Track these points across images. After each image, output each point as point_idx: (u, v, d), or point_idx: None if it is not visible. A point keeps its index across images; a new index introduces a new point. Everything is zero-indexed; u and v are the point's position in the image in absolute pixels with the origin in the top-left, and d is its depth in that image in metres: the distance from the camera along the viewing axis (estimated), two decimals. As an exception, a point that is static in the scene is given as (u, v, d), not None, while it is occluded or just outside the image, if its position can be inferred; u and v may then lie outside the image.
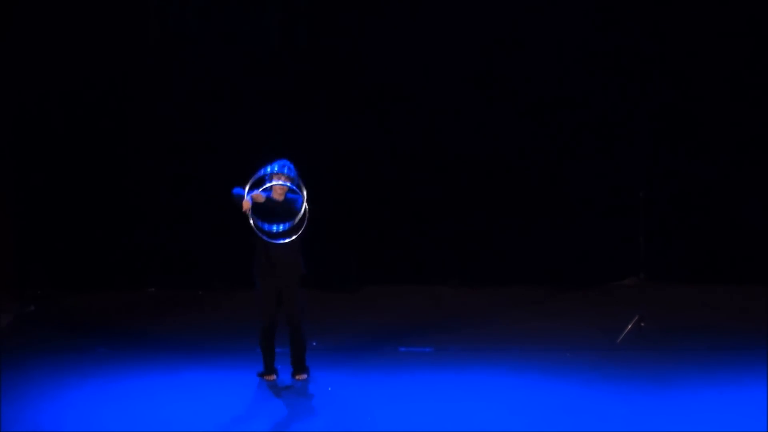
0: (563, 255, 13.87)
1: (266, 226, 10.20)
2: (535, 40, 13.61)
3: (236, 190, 10.22)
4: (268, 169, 10.26)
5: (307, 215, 10.22)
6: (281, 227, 10.21)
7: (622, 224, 13.40)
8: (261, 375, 10.63)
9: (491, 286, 13.87)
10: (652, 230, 12.67)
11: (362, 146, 13.84)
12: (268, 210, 10.25)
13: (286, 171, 10.26)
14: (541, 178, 13.84)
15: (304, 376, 10.59)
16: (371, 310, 13.28)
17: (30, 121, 13.79)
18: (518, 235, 13.92)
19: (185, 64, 13.82)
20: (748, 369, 10.70)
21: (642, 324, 11.84)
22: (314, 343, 10.68)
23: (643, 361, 11.09)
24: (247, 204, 10.07)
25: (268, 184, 10.23)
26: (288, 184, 10.26)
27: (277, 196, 10.28)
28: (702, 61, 13.54)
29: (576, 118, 13.71)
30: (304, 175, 10.47)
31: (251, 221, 10.19)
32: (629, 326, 11.82)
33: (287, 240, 10.19)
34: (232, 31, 13.74)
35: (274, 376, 10.60)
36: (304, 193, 10.23)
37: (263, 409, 9.99)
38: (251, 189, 10.18)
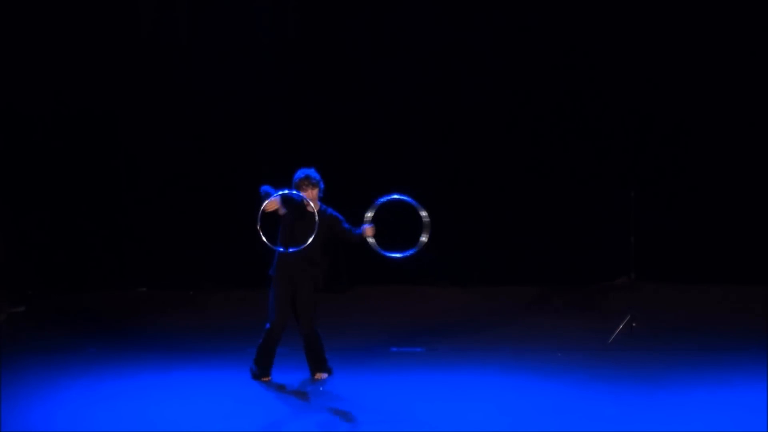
0: (554, 255, 13.88)
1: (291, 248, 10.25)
2: (525, 43, 13.63)
3: (265, 188, 10.23)
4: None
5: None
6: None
7: (613, 224, 13.43)
8: (257, 376, 10.61)
9: (481, 286, 13.89)
10: (642, 230, 12.69)
11: (352, 145, 13.85)
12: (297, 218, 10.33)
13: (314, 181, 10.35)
14: (532, 178, 13.86)
15: (324, 375, 10.61)
16: (362, 311, 13.29)
17: (21, 123, 13.78)
18: (508, 236, 13.94)
19: (177, 64, 13.82)
20: (738, 369, 10.73)
21: (633, 324, 11.86)
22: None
23: (634, 361, 11.11)
24: (274, 204, 10.12)
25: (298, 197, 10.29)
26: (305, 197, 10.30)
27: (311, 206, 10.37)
28: (694, 60, 13.58)
29: (566, 119, 13.73)
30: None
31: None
32: (620, 326, 11.84)
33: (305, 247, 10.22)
34: (225, 33, 13.75)
35: (269, 378, 10.60)
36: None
37: (254, 409, 9.98)
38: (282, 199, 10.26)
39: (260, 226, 10.08)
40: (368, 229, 10.39)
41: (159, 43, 13.79)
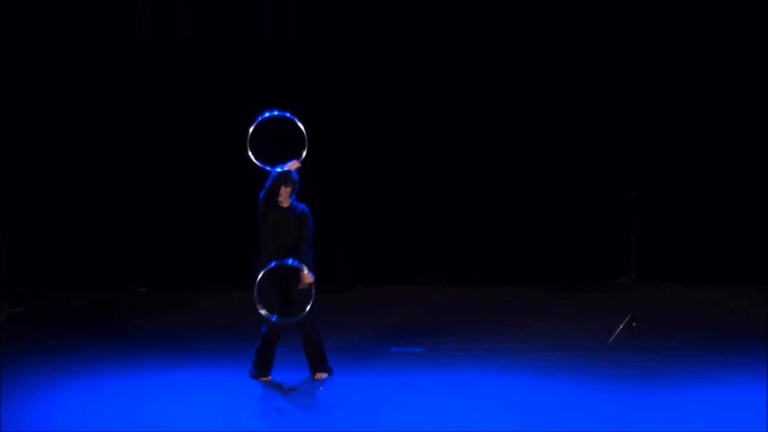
0: (554, 255, 13.88)
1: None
2: (526, 42, 13.63)
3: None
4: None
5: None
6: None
7: (613, 224, 13.43)
8: (256, 376, 10.61)
9: (482, 286, 13.89)
10: (643, 230, 12.69)
11: (353, 145, 13.86)
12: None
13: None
14: (532, 177, 13.86)
15: (324, 375, 10.61)
16: (362, 310, 13.29)
17: (18, 121, 13.78)
18: (509, 235, 13.94)
19: (176, 63, 13.82)
20: (739, 369, 10.72)
21: (633, 324, 11.85)
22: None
23: (634, 361, 11.10)
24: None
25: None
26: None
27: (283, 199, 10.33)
28: (694, 60, 13.58)
29: (566, 118, 13.73)
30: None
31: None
32: (621, 326, 11.83)
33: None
34: (225, 32, 13.75)
35: (269, 378, 10.61)
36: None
37: (254, 409, 9.98)
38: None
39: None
40: (306, 276, 10.29)
41: (159, 41, 13.78)
